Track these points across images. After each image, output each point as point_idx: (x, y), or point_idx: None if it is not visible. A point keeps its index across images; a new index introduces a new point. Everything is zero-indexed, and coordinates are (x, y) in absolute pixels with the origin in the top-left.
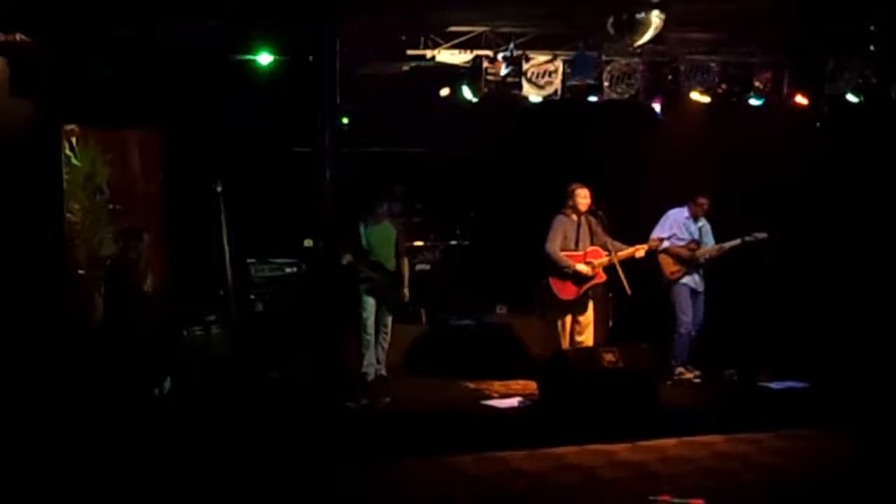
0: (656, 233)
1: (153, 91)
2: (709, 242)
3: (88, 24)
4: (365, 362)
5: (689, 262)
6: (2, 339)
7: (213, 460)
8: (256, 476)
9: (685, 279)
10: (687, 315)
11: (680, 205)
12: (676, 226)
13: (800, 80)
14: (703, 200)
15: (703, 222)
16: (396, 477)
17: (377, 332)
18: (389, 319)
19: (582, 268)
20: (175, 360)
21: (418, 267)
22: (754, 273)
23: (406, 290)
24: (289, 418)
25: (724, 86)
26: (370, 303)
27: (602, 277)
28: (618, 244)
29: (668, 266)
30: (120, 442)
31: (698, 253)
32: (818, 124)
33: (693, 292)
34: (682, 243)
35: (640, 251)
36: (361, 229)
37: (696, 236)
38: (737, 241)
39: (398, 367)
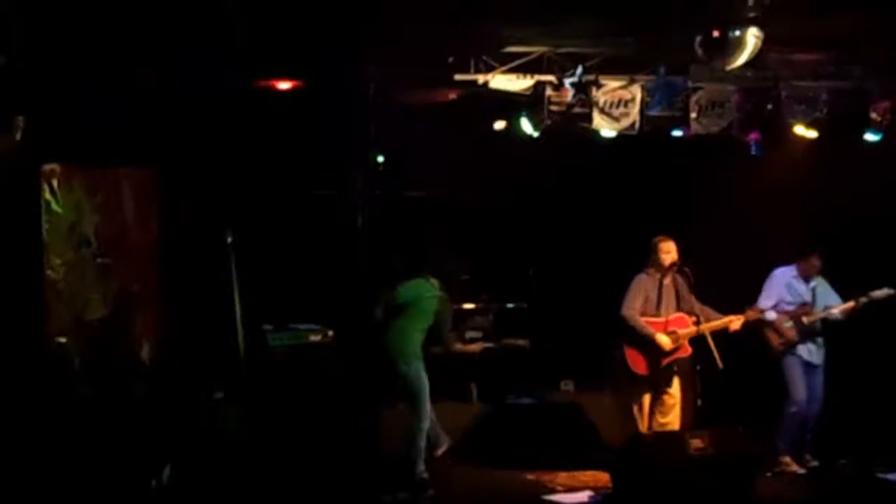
0: (762, 302)
1: (150, 122)
2: (830, 305)
3: (74, 45)
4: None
5: (800, 330)
6: None
7: None
8: None
9: (798, 349)
10: (799, 392)
11: (786, 263)
12: (784, 289)
13: None
14: (815, 261)
15: (816, 281)
16: None
17: None
18: None
19: (662, 339)
20: (177, 446)
21: (468, 335)
22: (876, 341)
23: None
24: None
25: (833, 117)
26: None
27: (687, 351)
28: (707, 310)
29: (774, 337)
30: None
31: (807, 320)
32: None
33: (807, 365)
34: (790, 308)
35: (734, 323)
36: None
37: (808, 299)
38: (850, 304)
39: (444, 453)
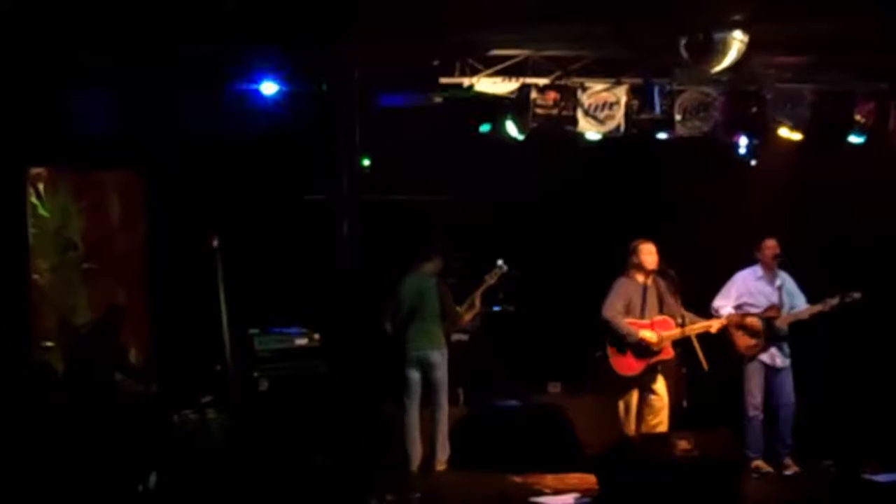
0: (719, 301)
1: (135, 126)
2: (797, 304)
3: (59, 49)
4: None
5: (767, 334)
6: None
7: None
8: None
9: (761, 355)
10: (754, 398)
11: (749, 265)
12: (746, 291)
13: None
14: (770, 245)
15: (781, 280)
16: None
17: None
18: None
19: (647, 335)
20: (163, 450)
21: (454, 337)
22: (855, 342)
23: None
24: None
25: (818, 119)
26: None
27: (669, 353)
28: (690, 315)
29: (743, 339)
30: None
31: (779, 322)
32: None
33: (770, 369)
34: (756, 310)
35: (713, 326)
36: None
37: (775, 300)
38: (818, 307)
39: (431, 456)
